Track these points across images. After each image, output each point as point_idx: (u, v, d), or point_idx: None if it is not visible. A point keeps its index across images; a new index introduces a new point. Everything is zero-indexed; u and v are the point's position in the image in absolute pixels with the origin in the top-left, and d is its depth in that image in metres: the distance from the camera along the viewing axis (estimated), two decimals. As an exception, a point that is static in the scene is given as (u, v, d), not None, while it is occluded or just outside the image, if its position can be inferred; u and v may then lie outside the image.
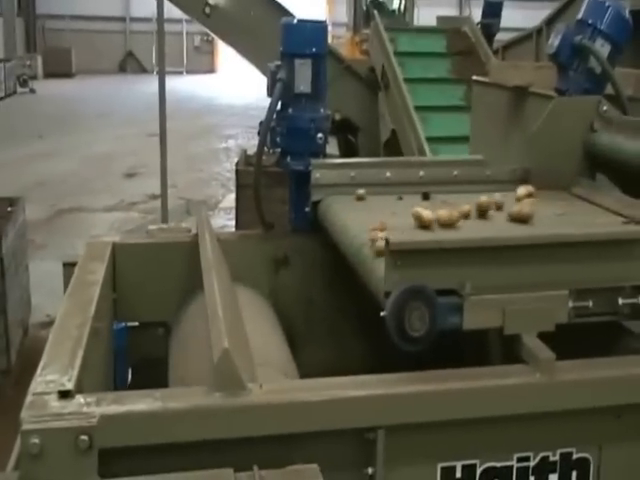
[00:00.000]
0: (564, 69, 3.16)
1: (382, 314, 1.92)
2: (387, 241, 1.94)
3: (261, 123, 3.10)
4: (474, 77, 4.98)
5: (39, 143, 13.49)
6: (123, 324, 2.93)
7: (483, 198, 2.46)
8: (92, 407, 1.75)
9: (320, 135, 3.04)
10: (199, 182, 10.86)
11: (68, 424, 1.70)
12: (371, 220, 2.42)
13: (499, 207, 2.53)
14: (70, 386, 1.80)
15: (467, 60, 6.59)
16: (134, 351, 2.93)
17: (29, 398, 1.78)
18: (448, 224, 2.25)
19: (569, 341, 1.99)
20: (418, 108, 5.89)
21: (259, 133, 3.10)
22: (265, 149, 3.05)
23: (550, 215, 2.48)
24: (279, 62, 3.05)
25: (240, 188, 6.93)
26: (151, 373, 2.85)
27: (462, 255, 1.97)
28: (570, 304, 2.00)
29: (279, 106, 3.03)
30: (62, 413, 1.72)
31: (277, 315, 2.87)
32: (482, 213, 2.45)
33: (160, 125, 7.09)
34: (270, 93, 3.04)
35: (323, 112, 3.08)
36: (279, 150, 3.08)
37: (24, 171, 11.02)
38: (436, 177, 2.93)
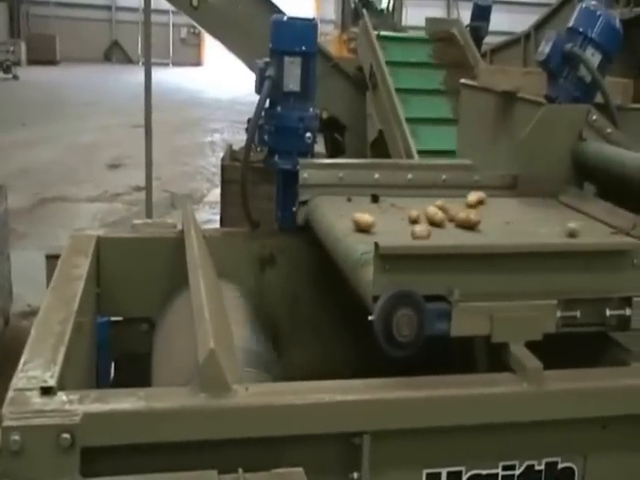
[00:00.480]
0: (554, 76, 3.16)
1: (370, 318, 1.91)
2: (376, 245, 1.92)
3: (249, 120, 3.07)
4: (462, 80, 4.99)
5: (22, 131, 13.38)
6: (106, 318, 2.90)
7: (431, 207, 2.48)
8: (75, 405, 1.72)
9: (309, 134, 3.02)
10: (184, 175, 10.81)
11: (50, 421, 1.67)
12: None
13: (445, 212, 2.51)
14: (52, 382, 1.78)
15: (447, 47, 6.58)
16: (117, 346, 2.90)
17: (10, 394, 1.75)
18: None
19: (556, 351, 1.98)
20: (399, 90, 5.88)
21: (247, 130, 3.08)
22: (252, 147, 3.03)
23: (498, 224, 2.49)
24: (268, 59, 3.03)
25: (225, 183, 6.88)
26: (134, 369, 2.83)
27: (451, 261, 1.96)
28: (558, 314, 2.00)
29: (267, 104, 3.01)
30: (44, 410, 1.69)
31: (262, 314, 2.85)
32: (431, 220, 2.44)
33: (145, 117, 7.04)
34: (258, 90, 3.01)
35: (312, 111, 3.06)
36: (266, 148, 3.06)
37: (7, 159, 10.92)
38: (424, 180, 2.91)
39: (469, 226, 2.39)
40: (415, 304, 1.91)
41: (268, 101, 2.99)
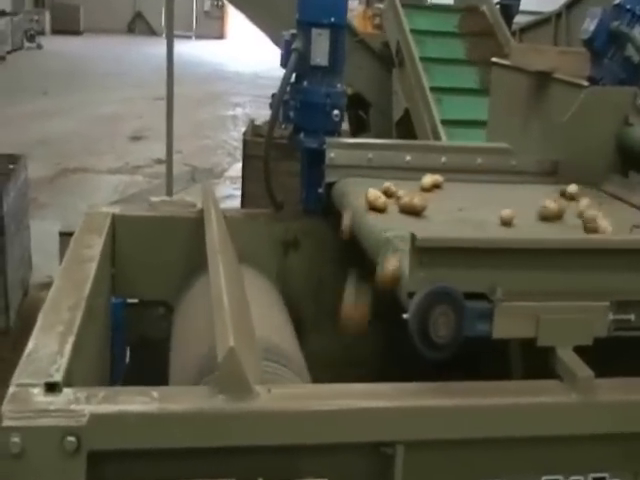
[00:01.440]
0: (598, 56, 2.94)
1: (404, 316, 1.72)
2: (413, 236, 1.73)
3: (273, 95, 2.88)
4: (493, 59, 4.75)
5: (44, 100, 13.20)
6: (120, 300, 2.73)
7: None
8: (82, 404, 1.55)
9: (336, 112, 2.82)
10: (205, 149, 10.61)
11: (54, 422, 1.50)
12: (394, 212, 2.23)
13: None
14: (58, 377, 1.61)
15: (483, 42, 6.33)
16: (132, 330, 2.73)
17: (12, 389, 1.58)
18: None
19: (606, 357, 1.79)
20: (424, 59, 5.64)
21: (271, 106, 2.88)
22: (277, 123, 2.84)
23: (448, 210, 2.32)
24: (294, 31, 2.82)
25: (247, 158, 6.72)
26: (150, 354, 2.68)
27: (494, 256, 1.76)
28: (610, 316, 1.79)
29: (293, 78, 2.81)
30: (47, 409, 1.53)
31: (285, 300, 2.67)
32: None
33: (167, 90, 6.83)
34: (284, 64, 2.81)
35: (340, 87, 2.86)
36: (291, 125, 2.87)
37: (29, 128, 10.76)
38: (458, 164, 2.72)
39: (413, 211, 2.25)
40: (454, 302, 1.72)
41: (294, 76, 2.80)
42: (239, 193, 7.06)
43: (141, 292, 2.73)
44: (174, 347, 2.41)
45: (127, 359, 2.77)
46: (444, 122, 5.20)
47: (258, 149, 6.76)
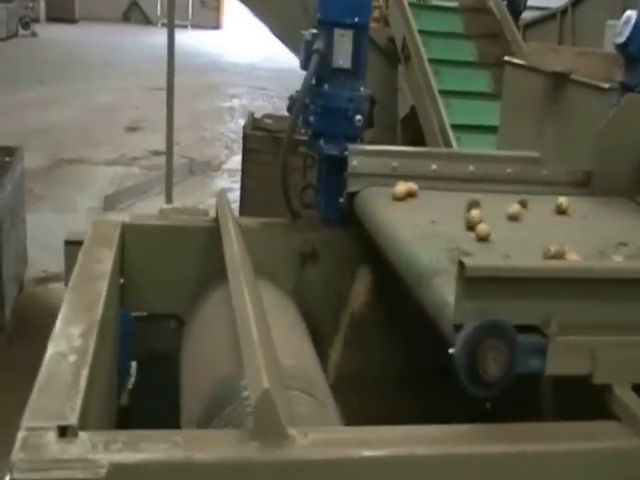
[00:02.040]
0: (633, 62, 2.77)
1: (450, 351, 1.55)
2: (461, 264, 1.56)
3: (291, 97, 2.70)
4: (506, 57, 4.58)
5: (40, 89, 12.93)
6: (129, 312, 2.55)
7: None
8: (100, 452, 1.37)
9: (359, 117, 2.65)
10: (202, 141, 10.38)
11: (70, 475, 1.32)
12: (426, 225, 2.04)
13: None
14: (73, 420, 1.43)
15: (482, 16, 6.12)
16: (141, 344, 2.55)
17: (22, 433, 1.40)
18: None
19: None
20: (432, 61, 5.46)
21: (289, 110, 2.70)
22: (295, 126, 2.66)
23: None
24: (315, 30, 2.64)
25: (247, 152, 6.53)
26: (159, 370, 2.50)
27: (549, 286, 1.59)
28: (673, 353, 1.63)
29: (314, 81, 2.63)
30: (62, 459, 1.35)
31: (302, 315, 2.50)
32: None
33: (168, 81, 6.62)
34: (304, 65, 2.63)
35: (363, 91, 2.68)
36: (310, 130, 2.68)
37: (24, 118, 10.50)
38: (487, 174, 2.54)
39: None
40: (505, 337, 1.56)
41: (314, 78, 2.62)
42: (237, 186, 6.88)
43: (151, 304, 2.56)
44: (186, 367, 2.24)
45: (133, 375, 2.60)
46: (453, 126, 5.04)
47: (258, 143, 6.62)
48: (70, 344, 1.68)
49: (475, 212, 2.14)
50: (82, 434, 1.41)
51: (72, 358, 1.62)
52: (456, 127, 5.18)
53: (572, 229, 2.23)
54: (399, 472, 1.46)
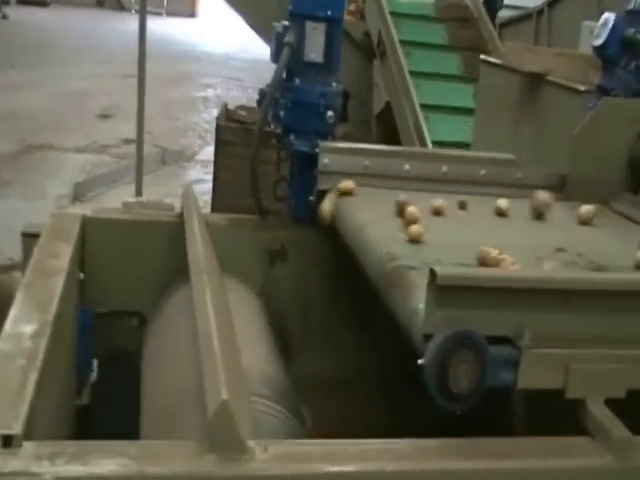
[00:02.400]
0: (611, 65, 2.71)
1: (419, 362, 1.48)
2: (432, 272, 1.49)
3: (261, 91, 2.61)
4: (482, 57, 4.52)
5: (11, 73, 12.67)
6: (89, 309, 2.45)
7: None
8: (44, 464, 1.28)
9: (330, 113, 2.56)
10: (175, 131, 10.22)
11: None
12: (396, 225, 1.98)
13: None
14: (17, 429, 1.33)
15: (464, 29, 6.07)
16: (102, 342, 2.46)
17: None
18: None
19: (638, 411, 1.57)
20: (412, 73, 5.38)
21: (259, 104, 2.61)
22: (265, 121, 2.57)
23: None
24: (286, 22, 2.55)
25: (220, 144, 6.41)
26: (120, 367, 2.41)
27: (524, 296, 1.52)
28: (647, 366, 1.57)
29: (284, 75, 2.54)
30: (2, 472, 1.25)
31: (269, 315, 2.42)
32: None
33: (139, 68, 6.46)
34: (275, 58, 2.54)
35: (336, 87, 2.60)
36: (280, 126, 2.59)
37: (-7, 101, 10.30)
38: (461, 175, 2.48)
39: None
40: (477, 348, 1.49)
41: (285, 72, 2.53)
42: (210, 177, 6.77)
43: (112, 301, 2.46)
44: (147, 368, 2.15)
45: (94, 374, 2.50)
46: (424, 107, 4.98)
47: (231, 134, 6.51)
48: (19, 346, 1.58)
49: (411, 209, 2.06)
50: (26, 444, 1.32)
51: (20, 361, 1.52)
52: (425, 107, 5.12)
53: (511, 232, 2.16)
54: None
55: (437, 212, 2.18)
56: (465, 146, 4.47)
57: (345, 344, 2.56)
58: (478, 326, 1.49)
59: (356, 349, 2.56)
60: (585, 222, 2.25)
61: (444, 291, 1.48)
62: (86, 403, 2.44)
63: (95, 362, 2.50)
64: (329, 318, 2.55)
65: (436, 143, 4.76)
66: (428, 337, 1.49)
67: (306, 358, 2.51)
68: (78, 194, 7.39)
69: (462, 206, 2.28)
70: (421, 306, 1.59)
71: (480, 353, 1.49)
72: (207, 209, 6.43)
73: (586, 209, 2.26)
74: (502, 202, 2.28)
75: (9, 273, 6.04)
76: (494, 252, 1.77)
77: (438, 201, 2.20)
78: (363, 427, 2.45)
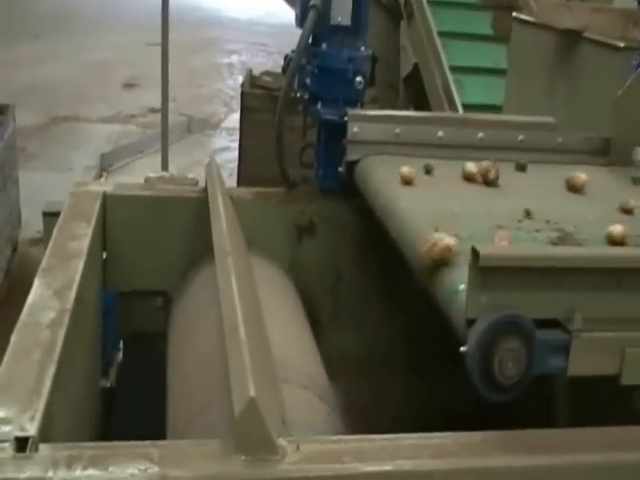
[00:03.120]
0: (656, 19, 2.53)
1: (462, 349, 1.36)
2: (475, 252, 1.36)
3: (286, 57, 2.47)
4: (514, 14, 4.33)
5: (36, 44, 12.57)
6: (113, 291, 2.36)
7: None
8: (61, 470, 1.19)
9: (359, 79, 2.42)
10: (200, 98, 10.07)
11: None
12: (435, 202, 1.85)
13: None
14: (32, 430, 1.24)
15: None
16: (126, 323, 2.37)
17: None
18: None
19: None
20: (440, 34, 5.17)
21: (284, 71, 2.47)
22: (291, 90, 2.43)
23: None
24: None
25: (245, 111, 6.29)
26: (146, 348, 2.32)
27: (574, 276, 1.39)
28: None
29: (310, 40, 2.40)
30: (17, 478, 1.16)
31: (298, 292, 2.31)
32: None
33: (162, 36, 6.33)
34: (300, 23, 2.39)
35: (364, 51, 2.45)
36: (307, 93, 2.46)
37: (19, 74, 10.19)
38: (498, 141, 2.33)
39: None
40: (524, 333, 1.36)
41: (311, 37, 2.39)
42: (236, 145, 6.65)
43: (136, 281, 2.36)
44: (174, 352, 2.05)
45: (120, 356, 2.42)
46: (454, 68, 4.79)
47: (256, 101, 6.37)
48: (36, 337, 1.49)
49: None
50: (43, 447, 1.23)
51: (37, 355, 1.43)
52: (455, 69, 4.93)
53: (477, 198, 2.02)
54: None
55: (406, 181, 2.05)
56: (497, 109, 4.29)
57: (376, 321, 2.44)
58: (524, 309, 1.37)
59: (388, 326, 2.45)
60: (575, 189, 2.09)
61: (488, 273, 1.35)
62: (112, 385, 2.36)
63: (120, 343, 2.42)
64: (360, 295, 2.44)
65: (467, 106, 4.58)
66: (471, 322, 1.37)
67: (336, 335, 2.40)
68: (105, 165, 7.33)
69: (428, 171, 2.14)
70: (462, 287, 1.47)
71: (527, 339, 1.36)
72: (234, 177, 6.35)
73: (576, 176, 2.10)
74: (470, 165, 2.13)
75: (38, 246, 6.03)
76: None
77: (404, 169, 2.06)
78: (395, 406, 2.35)
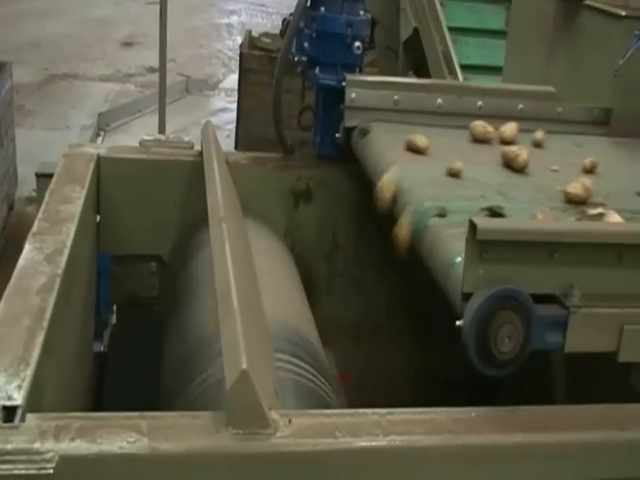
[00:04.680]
0: (660, -13, 2.46)
1: (458, 324, 1.32)
2: (472, 225, 1.31)
3: (284, 20, 2.40)
4: (514, -21, 4.21)
5: (34, 1, 12.36)
6: (106, 254, 2.31)
7: None
8: (49, 441, 1.15)
9: (358, 44, 2.35)
10: (199, 58, 9.93)
11: (9, 470, 1.10)
12: (435, 172, 1.80)
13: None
14: (19, 400, 1.20)
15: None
16: (120, 287, 2.33)
17: None
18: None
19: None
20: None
21: (282, 34, 2.40)
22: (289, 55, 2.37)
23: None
24: None
25: (243, 72, 6.19)
26: (139, 313, 2.29)
27: (573, 250, 1.35)
28: None
29: (308, 3, 2.32)
30: (3, 450, 1.12)
31: (294, 258, 2.27)
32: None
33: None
34: None
35: (363, 15, 2.38)
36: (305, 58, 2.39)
37: (17, 30, 10.03)
38: (497, 109, 2.28)
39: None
40: (521, 308, 1.33)
41: (310, 0, 2.32)
42: (234, 107, 6.57)
43: (131, 245, 2.32)
44: (170, 318, 2.01)
45: (113, 319, 2.38)
46: (453, 29, 4.70)
47: (255, 62, 6.26)
48: (25, 304, 1.44)
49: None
50: (30, 417, 1.19)
51: (26, 321, 1.38)
52: (455, 30, 4.84)
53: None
54: (399, 465, 1.24)
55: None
56: (497, 70, 4.20)
57: (372, 288, 2.41)
58: (522, 284, 1.33)
59: (384, 293, 2.41)
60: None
61: (485, 246, 1.31)
62: (105, 350, 2.33)
63: (114, 307, 2.38)
64: (356, 261, 2.40)
65: (466, 67, 4.50)
66: (467, 296, 1.33)
67: (332, 302, 2.37)
68: (102, 124, 7.24)
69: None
70: (458, 260, 1.43)
71: (525, 314, 1.33)
72: (231, 138, 6.27)
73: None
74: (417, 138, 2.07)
75: (34, 205, 5.97)
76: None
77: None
78: (389, 374, 2.33)
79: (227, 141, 6.31)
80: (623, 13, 3.28)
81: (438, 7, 4.91)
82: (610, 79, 2.38)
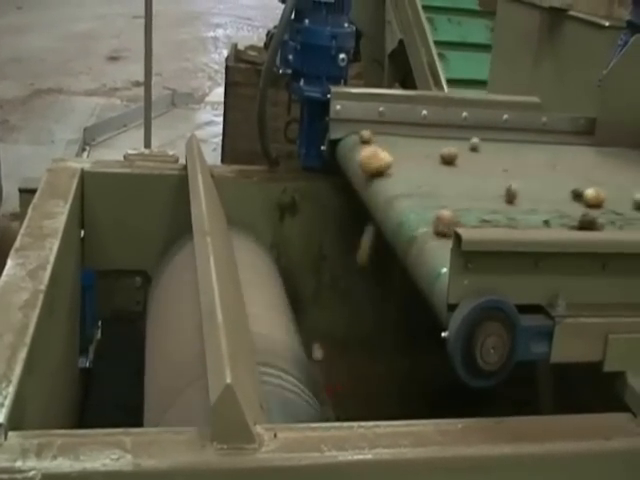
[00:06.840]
0: (642, -2, 2.49)
1: (444, 335, 1.33)
2: (457, 236, 1.32)
3: (268, 33, 2.41)
4: (499, -11, 4.25)
5: (18, 14, 12.35)
6: (91, 269, 2.30)
7: None
8: (31, 459, 1.14)
9: (342, 56, 2.36)
10: (185, 72, 9.93)
11: None
12: (421, 178, 1.81)
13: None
14: (0, 418, 1.19)
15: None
16: (105, 302, 2.32)
17: None
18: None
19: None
20: (425, 8, 5.08)
21: (266, 46, 2.42)
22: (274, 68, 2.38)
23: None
24: None
25: (229, 85, 6.20)
26: (124, 328, 2.28)
27: (558, 260, 1.35)
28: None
29: (293, 15, 2.34)
30: None
31: (280, 271, 2.27)
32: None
33: (146, 7, 6.20)
34: None
35: (348, 28, 2.39)
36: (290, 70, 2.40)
37: (1, 44, 10.02)
38: (482, 120, 2.29)
39: None
40: (506, 319, 1.33)
41: (294, 12, 2.33)
42: (220, 119, 6.57)
43: (115, 260, 2.31)
44: (153, 333, 2.01)
45: (98, 335, 2.37)
46: (439, 43, 4.72)
47: (241, 75, 6.27)
48: (7, 320, 1.43)
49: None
50: (12, 435, 1.18)
51: (8, 338, 1.38)
52: (440, 44, 4.86)
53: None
54: (386, 479, 1.24)
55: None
56: (482, 84, 4.23)
57: (359, 300, 2.41)
58: (507, 294, 1.33)
59: (370, 305, 2.41)
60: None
61: (470, 257, 1.31)
62: (90, 365, 2.31)
63: (99, 322, 2.37)
64: (342, 274, 2.40)
65: (452, 81, 4.52)
66: (452, 307, 1.33)
67: (318, 314, 2.37)
68: (88, 139, 7.23)
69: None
70: (444, 270, 1.43)
71: (510, 324, 1.33)
72: (218, 151, 6.27)
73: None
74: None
75: (18, 221, 5.95)
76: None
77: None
78: (376, 385, 2.33)
79: (214, 154, 6.31)
80: (607, 23, 3.32)
81: (423, 19, 4.94)
82: (594, 89, 2.40)
